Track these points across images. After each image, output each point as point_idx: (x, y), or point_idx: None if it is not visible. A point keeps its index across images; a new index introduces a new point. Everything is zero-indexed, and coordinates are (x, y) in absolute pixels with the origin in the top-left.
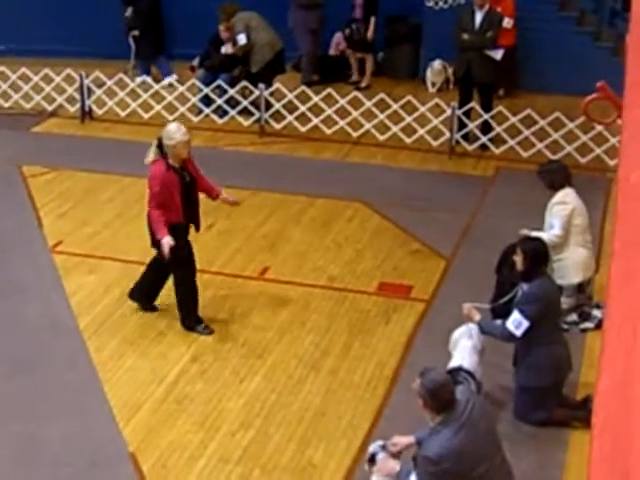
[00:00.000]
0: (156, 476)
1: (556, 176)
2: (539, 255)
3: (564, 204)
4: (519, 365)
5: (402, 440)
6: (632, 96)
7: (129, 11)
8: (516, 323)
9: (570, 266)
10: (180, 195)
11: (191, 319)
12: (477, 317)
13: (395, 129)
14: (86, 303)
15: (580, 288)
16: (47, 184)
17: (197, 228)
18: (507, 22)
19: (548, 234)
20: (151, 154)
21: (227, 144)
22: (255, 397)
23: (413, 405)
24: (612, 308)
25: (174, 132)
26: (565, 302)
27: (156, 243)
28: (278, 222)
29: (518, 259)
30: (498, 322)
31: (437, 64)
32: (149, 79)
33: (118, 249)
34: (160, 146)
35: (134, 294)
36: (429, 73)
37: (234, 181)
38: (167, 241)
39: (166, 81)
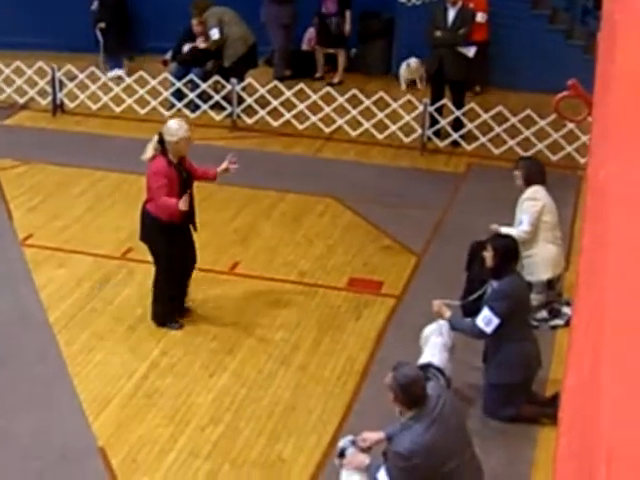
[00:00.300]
0: (126, 470)
1: (532, 172)
2: (509, 252)
3: (534, 200)
4: (489, 362)
5: (371, 436)
6: (602, 94)
7: (95, 4)
8: (486, 320)
9: (539, 262)
10: (178, 192)
11: (164, 317)
12: (447, 314)
13: (367, 125)
14: (56, 297)
15: (550, 285)
16: (18, 177)
17: (195, 227)
18: (481, 17)
19: (517, 230)
20: (150, 150)
21: (199, 138)
22: (225, 392)
23: (383, 400)
24: (580, 305)
25: (177, 129)
26: (535, 299)
27: (147, 238)
28: (249, 217)
29: (488, 255)
30: (468, 319)
31: (414, 62)
32: (122, 72)
33: (89, 243)
34: (162, 142)
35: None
36: (402, 70)
37: None
38: (182, 199)
39: (114, 72)
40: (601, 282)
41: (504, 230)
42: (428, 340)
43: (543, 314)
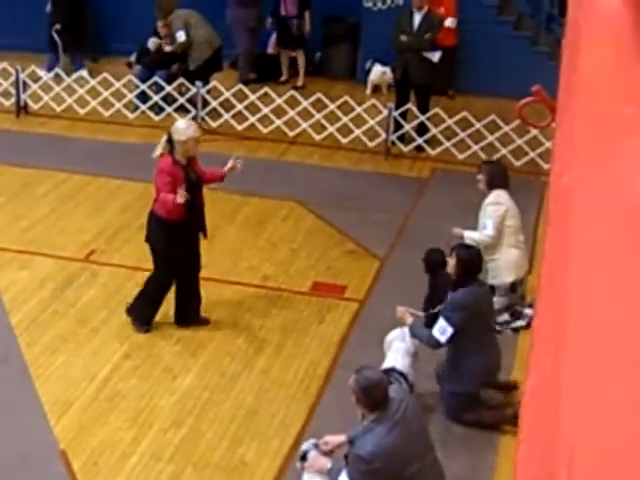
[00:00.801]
0: (87, 474)
1: (495, 176)
2: (473, 264)
3: (497, 205)
4: (449, 371)
5: (333, 439)
6: (566, 100)
7: (48, 6)
8: (441, 330)
9: (502, 266)
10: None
11: (141, 315)
12: (409, 321)
13: (331, 129)
14: (19, 299)
15: (513, 288)
16: None
17: (205, 234)
18: (451, 22)
19: (480, 234)
20: (159, 148)
21: None
22: (188, 394)
23: (346, 404)
24: (542, 307)
25: (185, 128)
26: (498, 302)
27: (149, 236)
28: (212, 220)
29: (451, 263)
30: (427, 329)
31: (388, 71)
32: (85, 73)
33: (52, 244)
34: (170, 141)
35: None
36: (373, 75)
37: None
38: (179, 193)
39: (78, 74)
40: (563, 285)
41: (467, 234)
42: (391, 345)
43: (505, 317)
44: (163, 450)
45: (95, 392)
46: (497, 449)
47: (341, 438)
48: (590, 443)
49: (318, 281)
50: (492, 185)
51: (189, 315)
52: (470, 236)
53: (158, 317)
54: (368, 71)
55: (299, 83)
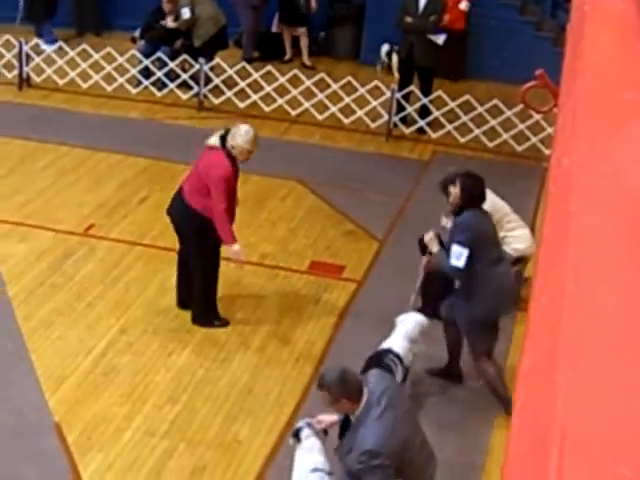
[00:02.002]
0: (81, 447)
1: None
2: (477, 192)
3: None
4: (465, 299)
5: (326, 418)
6: (568, 84)
7: None
8: (456, 255)
9: (518, 242)
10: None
11: (209, 315)
12: (435, 249)
13: (334, 109)
14: (16, 271)
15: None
16: None
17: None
18: (465, 5)
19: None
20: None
21: (165, 117)
22: (183, 371)
23: None
24: (539, 289)
25: (252, 137)
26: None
27: (194, 234)
28: None
29: (454, 191)
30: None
31: None
32: (54, 47)
33: (51, 218)
34: (224, 139)
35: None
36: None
37: (171, 155)
38: (239, 250)
39: (49, 49)
40: (559, 268)
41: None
42: (396, 327)
43: None
44: (157, 426)
45: (90, 366)
46: (491, 433)
47: (334, 417)
48: (582, 423)
49: (316, 261)
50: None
51: (211, 313)
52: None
53: (152, 292)
54: (389, 55)
55: (307, 62)
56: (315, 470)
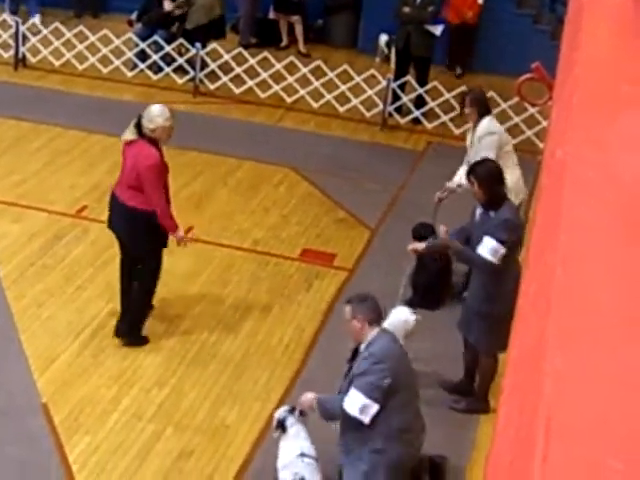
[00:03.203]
0: (68, 429)
1: (484, 103)
2: (494, 175)
3: (492, 134)
4: (483, 294)
5: (308, 395)
6: (564, 76)
7: None
8: (492, 250)
9: (510, 190)
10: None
11: (136, 328)
12: (454, 243)
13: (329, 97)
14: (8, 252)
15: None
16: None
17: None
18: None
19: None
20: (129, 133)
21: (160, 101)
22: (172, 355)
23: (329, 371)
24: (529, 277)
25: (163, 112)
26: None
27: (133, 238)
28: (206, 182)
29: (474, 188)
30: (473, 252)
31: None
32: (37, 20)
33: (44, 199)
34: (139, 126)
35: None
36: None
37: None
38: (183, 234)
39: (31, 21)
40: (550, 257)
41: (458, 178)
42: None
43: None
44: (145, 409)
45: (79, 348)
46: (477, 428)
47: (310, 395)
48: (569, 413)
49: (308, 248)
50: (483, 113)
51: (139, 328)
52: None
53: None
54: (388, 46)
55: (302, 50)
56: (302, 455)
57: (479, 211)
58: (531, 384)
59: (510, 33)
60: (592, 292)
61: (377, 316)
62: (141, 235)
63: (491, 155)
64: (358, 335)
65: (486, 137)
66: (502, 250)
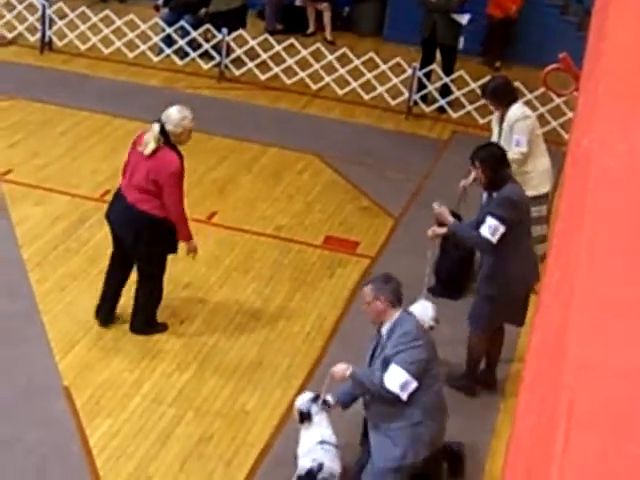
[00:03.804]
0: (89, 412)
1: (511, 90)
2: (498, 159)
3: (526, 118)
4: (485, 274)
5: (341, 365)
6: (591, 65)
7: None
8: (491, 229)
9: (537, 176)
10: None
11: (149, 324)
12: (450, 219)
13: (355, 84)
14: (31, 234)
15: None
16: (2, 112)
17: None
18: None
19: (513, 152)
20: (153, 141)
21: (185, 86)
22: (193, 340)
23: (350, 359)
24: (552, 265)
25: (184, 116)
26: (538, 211)
27: (143, 243)
28: (230, 168)
29: (478, 171)
30: (473, 230)
31: None
32: None
33: (68, 182)
34: (164, 131)
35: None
36: None
37: None
38: (196, 244)
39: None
40: (574, 244)
41: None
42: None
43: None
44: (165, 394)
45: (102, 332)
46: (496, 417)
47: (344, 366)
48: (590, 399)
49: (331, 235)
50: (510, 101)
51: (152, 321)
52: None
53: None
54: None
55: (328, 37)
56: (322, 442)
57: (485, 195)
58: (553, 371)
59: (538, 24)
60: (615, 281)
61: (399, 298)
62: (147, 240)
63: (525, 139)
64: (379, 316)
65: (519, 122)
66: (501, 228)
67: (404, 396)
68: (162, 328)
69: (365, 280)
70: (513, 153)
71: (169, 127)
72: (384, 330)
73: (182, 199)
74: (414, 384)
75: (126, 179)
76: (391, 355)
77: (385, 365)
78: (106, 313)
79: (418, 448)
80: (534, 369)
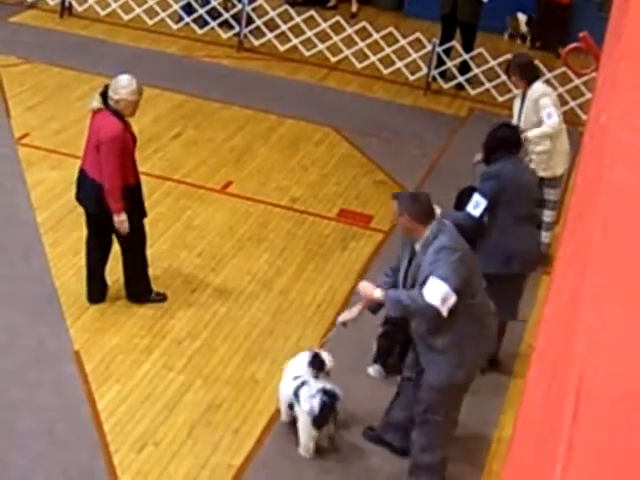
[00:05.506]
0: (99, 377)
1: (533, 69)
2: (506, 138)
3: (548, 95)
4: (480, 252)
5: (368, 285)
6: (611, 44)
7: None
8: (475, 204)
9: (555, 157)
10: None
11: (144, 291)
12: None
13: (373, 58)
14: (46, 198)
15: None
16: (20, 75)
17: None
18: None
19: (547, 125)
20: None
21: (204, 55)
22: (205, 308)
23: (359, 331)
24: (566, 238)
25: (131, 84)
26: (554, 193)
27: (98, 204)
28: (246, 138)
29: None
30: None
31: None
32: None
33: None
34: (105, 96)
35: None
36: (523, 26)
37: (208, 93)
38: (125, 219)
39: None
40: (589, 219)
41: (531, 133)
42: None
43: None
44: (175, 361)
45: (113, 297)
46: (504, 395)
47: (371, 285)
48: (600, 369)
49: (345, 208)
50: (532, 80)
51: (145, 290)
52: (536, 133)
53: (179, 228)
54: (515, 21)
55: (354, 9)
56: (296, 378)
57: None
58: (564, 342)
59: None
60: (629, 254)
61: (428, 215)
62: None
63: (555, 111)
64: (409, 232)
65: (543, 98)
66: (483, 203)
67: (444, 310)
68: (160, 298)
69: (381, 257)
70: (547, 126)
71: (110, 91)
72: (417, 246)
73: (117, 168)
74: (453, 298)
75: (84, 151)
76: (428, 271)
77: (422, 282)
78: (97, 294)
79: (469, 362)
80: (545, 339)
